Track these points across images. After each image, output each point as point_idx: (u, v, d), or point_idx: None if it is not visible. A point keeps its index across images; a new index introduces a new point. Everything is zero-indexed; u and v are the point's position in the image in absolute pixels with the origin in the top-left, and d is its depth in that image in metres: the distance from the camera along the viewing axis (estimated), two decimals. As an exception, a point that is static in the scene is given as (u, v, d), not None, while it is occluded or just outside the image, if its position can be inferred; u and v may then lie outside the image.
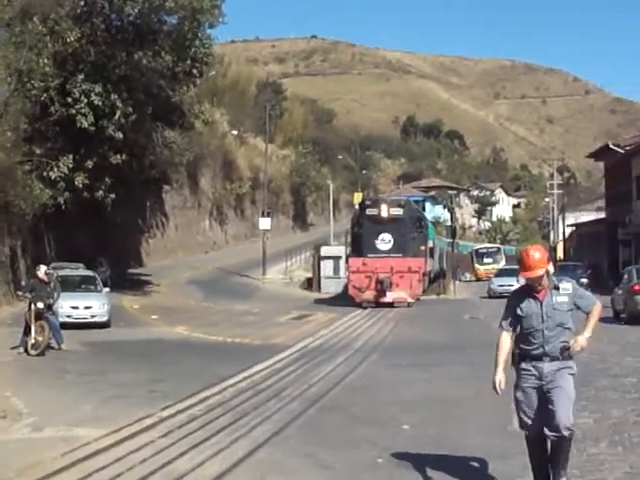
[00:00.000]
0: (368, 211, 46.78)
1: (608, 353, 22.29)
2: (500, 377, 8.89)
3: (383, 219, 45.63)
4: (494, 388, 8.92)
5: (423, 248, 47.50)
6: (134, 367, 21.58)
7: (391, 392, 16.85)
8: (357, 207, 52.85)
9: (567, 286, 8.88)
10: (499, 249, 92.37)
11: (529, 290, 8.91)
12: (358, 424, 13.77)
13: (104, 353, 25.20)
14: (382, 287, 44.30)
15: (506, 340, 9.02)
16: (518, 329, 9.00)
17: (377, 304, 43.60)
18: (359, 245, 46.57)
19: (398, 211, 46.22)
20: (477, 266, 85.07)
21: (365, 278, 44.80)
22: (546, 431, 8.68)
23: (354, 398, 16.00)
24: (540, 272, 8.63)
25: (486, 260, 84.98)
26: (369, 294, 44.53)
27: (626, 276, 33.88)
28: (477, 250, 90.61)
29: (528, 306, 8.84)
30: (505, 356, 8.96)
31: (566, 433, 8.59)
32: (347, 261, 48.88)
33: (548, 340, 8.79)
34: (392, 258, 44.77)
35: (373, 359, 22.59)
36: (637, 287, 31.60)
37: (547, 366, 8.77)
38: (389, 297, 44.25)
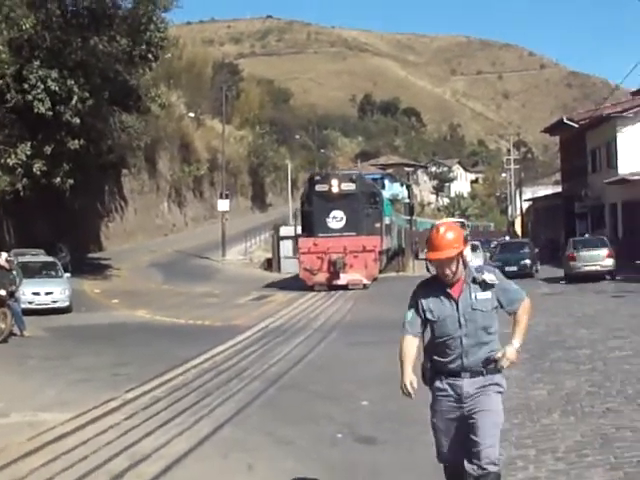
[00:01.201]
0: (318, 187, 43.69)
1: (563, 325, 22.82)
2: (410, 378, 6.87)
3: (334, 195, 42.80)
4: (404, 393, 6.96)
5: (378, 225, 44.96)
6: (97, 351, 21.81)
7: (350, 370, 17.17)
8: (306, 183, 49.23)
9: (490, 277, 6.86)
10: (463, 224, 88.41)
11: (441, 285, 6.90)
12: (318, 401, 14.11)
13: (67, 338, 25.39)
14: (335, 268, 41.52)
15: (411, 346, 6.98)
16: (428, 334, 7.07)
17: (330, 287, 40.98)
18: (309, 224, 43.95)
19: (350, 186, 43.34)
20: None
21: (317, 259, 41.97)
22: (467, 466, 6.76)
23: (313, 376, 16.34)
24: (451, 253, 6.67)
25: None
26: (321, 276, 41.74)
27: (567, 246, 42.40)
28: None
29: (440, 307, 6.88)
30: (412, 363, 6.96)
31: (492, 469, 6.67)
32: (297, 241, 46.78)
33: (468, 351, 6.81)
34: (345, 237, 42.07)
35: (332, 338, 22.90)
36: (570, 254, 39.99)
37: (467, 384, 6.83)
38: (343, 279, 41.56)
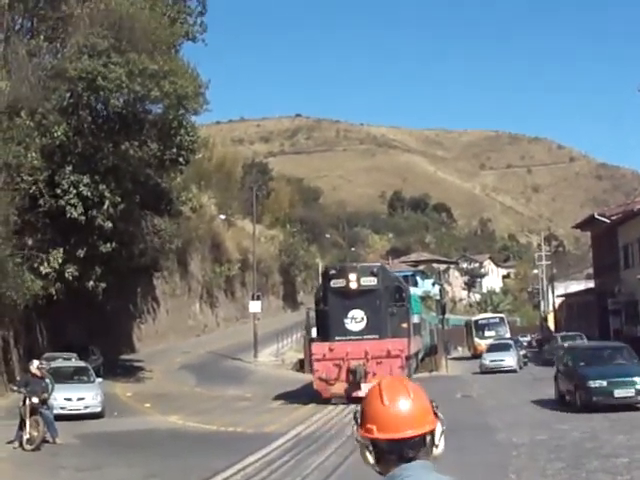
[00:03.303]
0: (333, 283, 37.48)
1: (599, 430, 22.45)
2: None
3: (352, 292, 36.70)
4: None
5: (405, 326, 38.66)
6: (129, 461, 21.65)
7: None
8: (320, 278, 43.60)
9: None
10: (502, 319, 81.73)
11: None
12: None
13: (99, 446, 25.26)
14: (355, 378, 35.45)
15: None
16: None
17: (350, 399, 34.69)
18: (324, 326, 38.08)
19: (371, 281, 37.16)
20: (477, 340, 73.74)
21: (333, 367, 36.13)
22: None
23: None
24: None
25: (488, 333, 74.15)
26: (339, 387, 35.85)
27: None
28: (476, 321, 79.51)
29: None
30: None
31: None
32: (310, 347, 40.75)
33: None
34: (366, 341, 36.21)
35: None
36: None
37: None
38: (364, 390, 32.36)
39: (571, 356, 31.98)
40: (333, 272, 38.65)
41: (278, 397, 40.26)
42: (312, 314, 42.53)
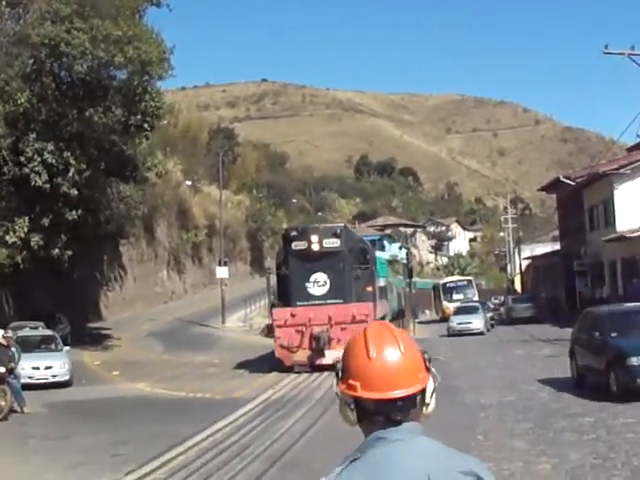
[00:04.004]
0: (294, 245, 35.37)
1: (566, 391, 22.63)
2: None
3: (314, 254, 34.75)
4: None
5: (371, 289, 36.59)
6: (97, 429, 21.64)
7: (354, 445, 16.94)
8: (281, 241, 40.21)
9: None
10: (470, 282, 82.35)
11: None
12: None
13: (67, 415, 25.25)
14: (318, 345, 33.81)
15: None
16: None
17: (313, 367, 33.57)
18: (285, 290, 35.83)
19: (334, 242, 35.11)
20: (445, 303, 74.51)
21: (296, 333, 34.34)
22: None
23: (316, 454, 16.16)
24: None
25: (456, 296, 74.45)
26: (302, 354, 34.21)
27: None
28: (444, 284, 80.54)
29: None
30: None
31: None
32: (270, 312, 38.38)
33: None
34: (330, 305, 34.46)
35: (334, 410, 22.65)
36: None
37: None
38: (329, 357, 32.19)
39: (598, 323, 23.62)
40: (294, 234, 36.26)
41: (240, 365, 39.12)
42: (274, 278, 39.62)
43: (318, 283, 35.03)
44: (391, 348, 3.05)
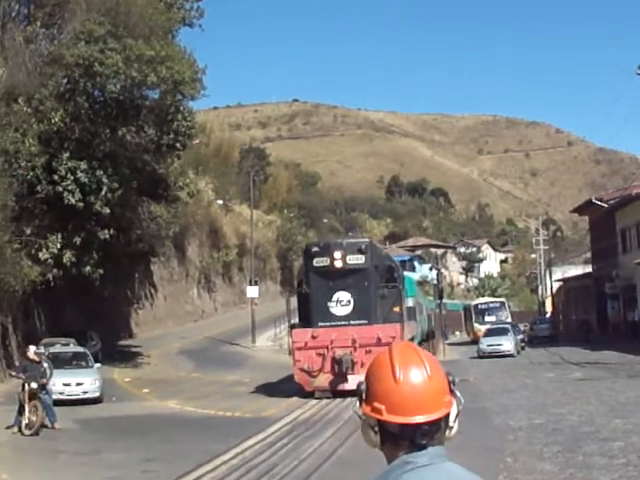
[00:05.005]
0: (316, 261, 33.12)
1: (596, 414, 22.53)
2: None
3: (337, 271, 32.60)
4: None
5: (398, 309, 34.17)
6: (127, 445, 21.75)
7: (381, 466, 16.95)
8: (302, 257, 38.12)
9: None
10: (503, 304, 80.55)
11: None
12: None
13: (97, 431, 25.39)
14: (341, 369, 31.67)
15: None
16: None
17: (335, 393, 31.52)
18: (306, 310, 33.66)
19: (358, 259, 32.89)
20: (476, 325, 72.29)
21: (317, 356, 32.30)
22: None
23: (344, 474, 16.18)
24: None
25: (488, 317, 73.30)
26: (323, 379, 32.09)
27: None
28: (476, 306, 78.78)
29: None
30: None
31: None
32: (290, 333, 35.37)
33: None
34: (354, 326, 32.37)
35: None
36: None
37: None
38: (352, 382, 29.69)
39: None
40: (316, 249, 33.88)
41: (259, 389, 37.57)
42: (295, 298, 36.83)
43: (341, 302, 32.90)
44: (417, 371, 2.99)
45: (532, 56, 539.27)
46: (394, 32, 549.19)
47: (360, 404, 3.08)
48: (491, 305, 79.14)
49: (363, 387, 3.09)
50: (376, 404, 3.00)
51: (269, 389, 36.76)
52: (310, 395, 31.77)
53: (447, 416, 3.04)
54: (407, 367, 3.00)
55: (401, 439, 2.98)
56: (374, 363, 3.13)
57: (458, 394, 3.06)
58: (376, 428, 3.02)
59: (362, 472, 15.85)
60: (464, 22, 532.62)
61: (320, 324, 32.61)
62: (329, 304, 32.75)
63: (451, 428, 3.07)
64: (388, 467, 2.99)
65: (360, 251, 33.08)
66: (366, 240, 37.40)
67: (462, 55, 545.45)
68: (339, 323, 32.54)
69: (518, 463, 16.46)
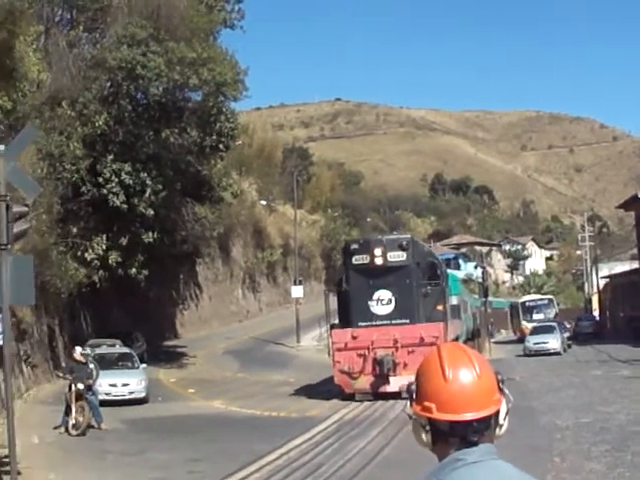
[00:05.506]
0: (355, 259, 32.30)
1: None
2: None
3: (378, 269, 31.72)
4: None
5: (441, 308, 33.09)
6: (173, 445, 21.86)
7: (427, 465, 16.87)
8: (342, 255, 37.13)
9: None
10: (551, 301, 79.73)
11: None
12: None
13: (143, 431, 25.55)
14: (382, 370, 30.84)
15: None
16: None
17: (377, 395, 30.89)
18: (346, 310, 32.70)
19: (400, 256, 31.99)
20: (524, 323, 71.36)
21: (357, 357, 31.37)
22: None
23: (390, 474, 16.15)
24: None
25: (536, 315, 72.60)
26: (364, 381, 31.22)
27: None
28: (524, 303, 77.85)
29: None
30: None
31: None
32: (330, 334, 34.25)
33: None
34: (395, 326, 31.48)
35: (408, 430, 22.58)
36: None
37: None
38: (394, 384, 30.06)
39: None
40: (355, 247, 33.03)
41: (298, 392, 36.81)
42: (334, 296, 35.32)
43: (382, 301, 31.94)
44: (466, 369, 3.03)
45: (575, 51, 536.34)
46: (436, 30, 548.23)
47: (411, 404, 3.13)
48: (539, 302, 78.24)
49: (413, 387, 3.14)
50: (426, 403, 3.05)
51: (309, 391, 36.45)
52: (350, 398, 31.04)
53: (497, 414, 3.09)
54: (456, 366, 3.04)
55: (451, 437, 3.02)
56: (423, 363, 3.17)
57: (507, 392, 3.09)
58: (427, 427, 3.07)
59: (408, 472, 15.93)
60: (507, 18, 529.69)
61: (360, 324, 31.80)
62: (369, 303, 31.89)
63: (501, 426, 3.12)
64: (439, 464, 3.02)
65: (401, 247, 32.19)
66: (407, 236, 36.07)
67: (504, 51, 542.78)
68: (380, 323, 31.67)
69: (566, 462, 16.34)
